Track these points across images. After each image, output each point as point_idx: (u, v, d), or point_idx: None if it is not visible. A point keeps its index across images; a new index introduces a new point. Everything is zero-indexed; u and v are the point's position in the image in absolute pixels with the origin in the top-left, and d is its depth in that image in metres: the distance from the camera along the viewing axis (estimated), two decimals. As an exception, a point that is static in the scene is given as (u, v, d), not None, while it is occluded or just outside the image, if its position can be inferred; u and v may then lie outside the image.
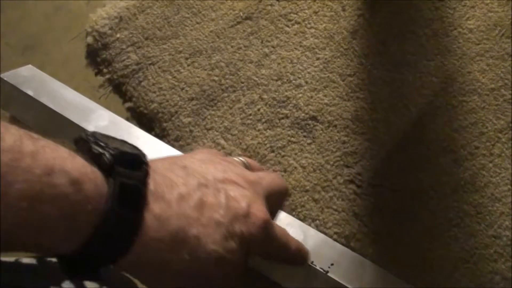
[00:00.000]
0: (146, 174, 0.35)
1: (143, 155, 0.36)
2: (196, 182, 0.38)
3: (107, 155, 0.33)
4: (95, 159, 0.33)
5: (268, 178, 0.44)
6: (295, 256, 0.45)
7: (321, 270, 0.48)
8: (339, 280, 0.47)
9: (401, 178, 0.52)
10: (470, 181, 0.51)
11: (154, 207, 0.34)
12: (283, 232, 0.43)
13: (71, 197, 0.31)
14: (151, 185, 0.35)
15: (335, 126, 0.55)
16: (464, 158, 0.52)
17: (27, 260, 0.41)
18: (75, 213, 0.31)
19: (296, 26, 0.61)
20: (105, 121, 0.56)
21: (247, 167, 0.46)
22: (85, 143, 0.35)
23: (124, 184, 0.33)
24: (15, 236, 0.30)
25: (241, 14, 0.63)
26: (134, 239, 0.33)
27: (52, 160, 0.31)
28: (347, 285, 0.47)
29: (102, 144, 0.34)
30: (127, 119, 0.61)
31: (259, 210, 0.39)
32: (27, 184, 0.29)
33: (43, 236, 0.31)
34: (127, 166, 0.34)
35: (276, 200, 0.43)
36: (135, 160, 0.35)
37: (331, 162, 0.54)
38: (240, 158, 0.48)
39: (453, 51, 0.56)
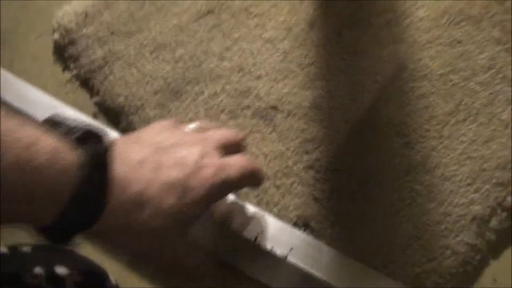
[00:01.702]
0: (109, 145, 0.39)
1: (104, 131, 0.41)
2: (150, 149, 0.42)
3: (75, 131, 0.38)
4: (65, 134, 0.38)
5: (218, 132, 0.48)
6: (253, 181, 0.48)
7: (281, 255, 0.50)
8: (298, 264, 0.50)
9: (357, 162, 0.55)
10: (421, 162, 0.54)
11: (118, 173, 0.39)
12: (239, 165, 0.45)
13: (52, 167, 0.34)
14: (114, 154, 0.39)
15: (295, 114, 0.58)
16: (416, 141, 0.55)
17: (-3, 248, 0.43)
18: (55, 182, 0.35)
19: (256, 19, 0.63)
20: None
21: (199, 130, 0.50)
22: (53, 122, 0.39)
23: (93, 153, 0.37)
24: (7, 206, 0.34)
25: (204, 8, 0.64)
26: (105, 202, 0.37)
27: (34, 134, 0.35)
28: (305, 268, 0.50)
29: (69, 121, 0.39)
30: (95, 114, 0.63)
31: (211, 161, 0.43)
32: (15, 155, 0.33)
33: (29, 205, 0.35)
34: (93, 139, 0.39)
35: (231, 148, 0.47)
36: (99, 134, 0.40)
37: (291, 149, 0.56)
38: (193, 125, 0.51)
39: (405, 39, 0.59)
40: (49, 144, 0.35)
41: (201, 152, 0.43)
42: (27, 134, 0.34)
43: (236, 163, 0.45)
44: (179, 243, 0.43)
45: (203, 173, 0.42)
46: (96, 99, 0.64)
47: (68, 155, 0.36)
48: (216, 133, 0.48)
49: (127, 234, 0.40)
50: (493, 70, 0.56)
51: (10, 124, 0.34)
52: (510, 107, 0.55)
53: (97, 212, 0.38)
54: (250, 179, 0.47)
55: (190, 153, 0.43)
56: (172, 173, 0.41)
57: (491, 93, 0.56)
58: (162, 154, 0.42)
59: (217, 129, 0.51)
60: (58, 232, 0.38)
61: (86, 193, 0.36)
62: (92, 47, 0.66)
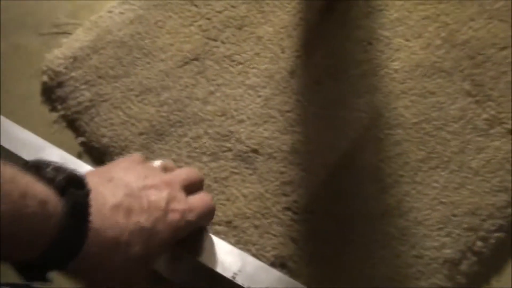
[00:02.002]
0: (88, 193, 0.42)
1: (84, 176, 0.43)
2: (123, 193, 0.45)
3: (59, 178, 0.40)
4: (50, 182, 0.40)
5: (183, 173, 0.51)
6: (211, 217, 0.52)
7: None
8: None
9: (334, 205, 0.57)
10: (395, 206, 0.56)
11: (95, 220, 0.42)
12: (202, 205, 0.49)
13: (40, 215, 0.38)
14: (92, 199, 0.42)
15: (274, 158, 0.60)
16: (390, 186, 0.57)
17: None
18: (42, 228, 0.38)
19: (239, 66, 0.66)
20: (56, 158, 0.59)
21: (164, 169, 0.53)
22: (38, 168, 0.41)
23: (75, 202, 0.40)
24: None
25: (189, 55, 0.67)
26: (82, 247, 0.40)
27: (25, 184, 0.38)
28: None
29: (52, 168, 0.41)
30: (80, 153, 0.64)
31: (178, 205, 0.47)
32: (8, 205, 0.36)
33: (18, 247, 0.38)
34: (75, 186, 0.41)
35: (194, 188, 0.51)
36: (80, 181, 0.42)
37: (270, 191, 0.58)
38: (158, 162, 0.54)
39: (381, 89, 0.62)
40: (40, 193, 0.38)
41: (169, 197, 0.47)
42: (23, 182, 0.38)
43: (199, 204, 0.49)
44: (145, 277, 0.46)
45: (170, 218, 0.46)
46: (81, 139, 0.65)
47: (54, 202, 0.39)
48: (181, 174, 0.51)
49: (100, 273, 0.43)
50: (464, 121, 0.59)
51: (8, 172, 0.37)
52: (479, 156, 0.58)
53: (74, 254, 0.40)
54: (210, 217, 0.51)
55: (158, 198, 0.46)
56: (141, 219, 0.45)
57: (461, 142, 0.58)
58: (133, 200, 0.45)
59: (181, 169, 0.54)
60: (34, 271, 0.40)
61: (66, 239, 0.39)
62: (80, 89, 0.68)
